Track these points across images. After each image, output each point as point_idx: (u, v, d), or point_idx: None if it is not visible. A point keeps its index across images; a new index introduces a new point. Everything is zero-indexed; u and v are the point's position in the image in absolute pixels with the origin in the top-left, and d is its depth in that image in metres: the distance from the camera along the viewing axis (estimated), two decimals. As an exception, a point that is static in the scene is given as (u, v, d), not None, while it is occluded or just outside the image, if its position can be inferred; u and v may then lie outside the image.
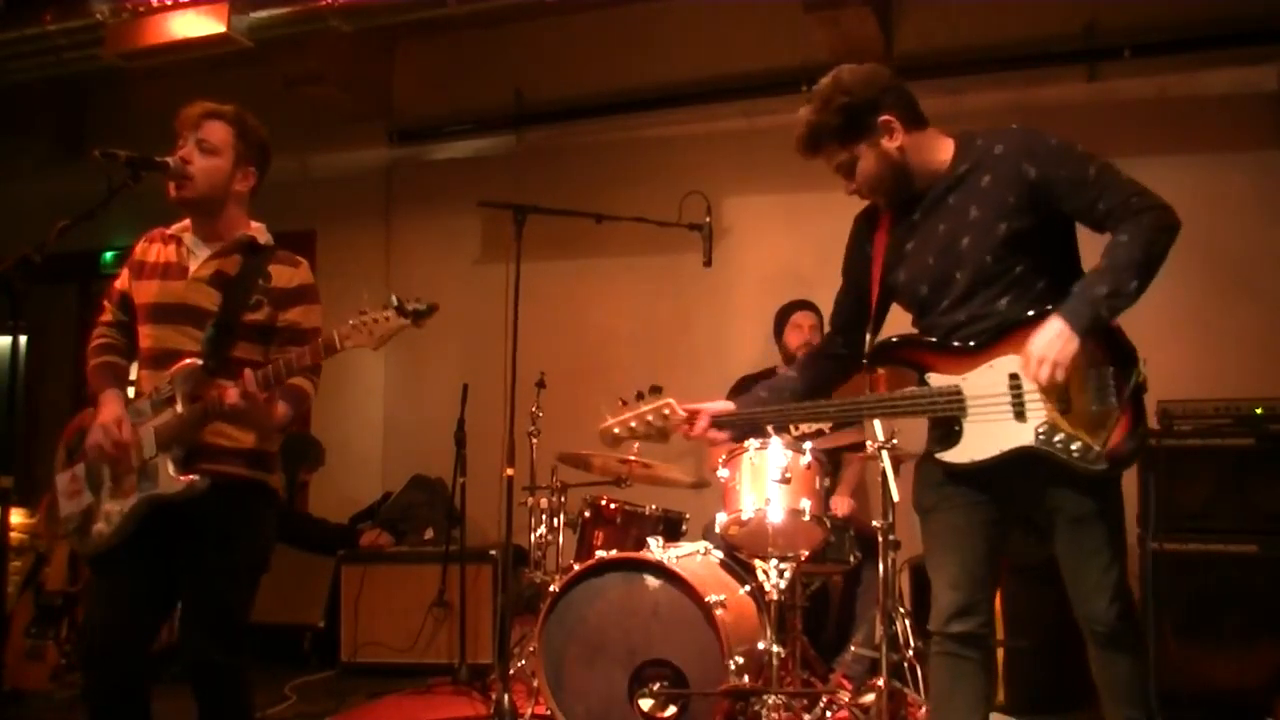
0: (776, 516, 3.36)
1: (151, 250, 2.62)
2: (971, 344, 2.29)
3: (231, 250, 2.57)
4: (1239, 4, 4.48)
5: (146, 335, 2.55)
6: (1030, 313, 2.24)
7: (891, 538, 3.33)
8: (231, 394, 2.33)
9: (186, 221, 2.62)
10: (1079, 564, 2.28)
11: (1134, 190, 2.20)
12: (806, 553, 3.52)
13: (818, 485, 3.47)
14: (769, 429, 3.61)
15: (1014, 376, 2.24)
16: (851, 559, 3.77)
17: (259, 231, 2.63)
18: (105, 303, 2.69)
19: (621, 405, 2.66)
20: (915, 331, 2.41)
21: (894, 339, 2.40)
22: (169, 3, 4.96)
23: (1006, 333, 2.25)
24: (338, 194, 6.09)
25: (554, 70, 5.70)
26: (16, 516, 4.41)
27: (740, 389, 4.55)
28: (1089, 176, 2.21)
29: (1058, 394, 2.20)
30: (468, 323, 5.53)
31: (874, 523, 3.39)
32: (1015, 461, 2.24)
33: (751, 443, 3.52)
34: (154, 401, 2.47)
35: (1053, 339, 2.15)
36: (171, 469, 2.40)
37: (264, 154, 2.63)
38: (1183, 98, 4.61)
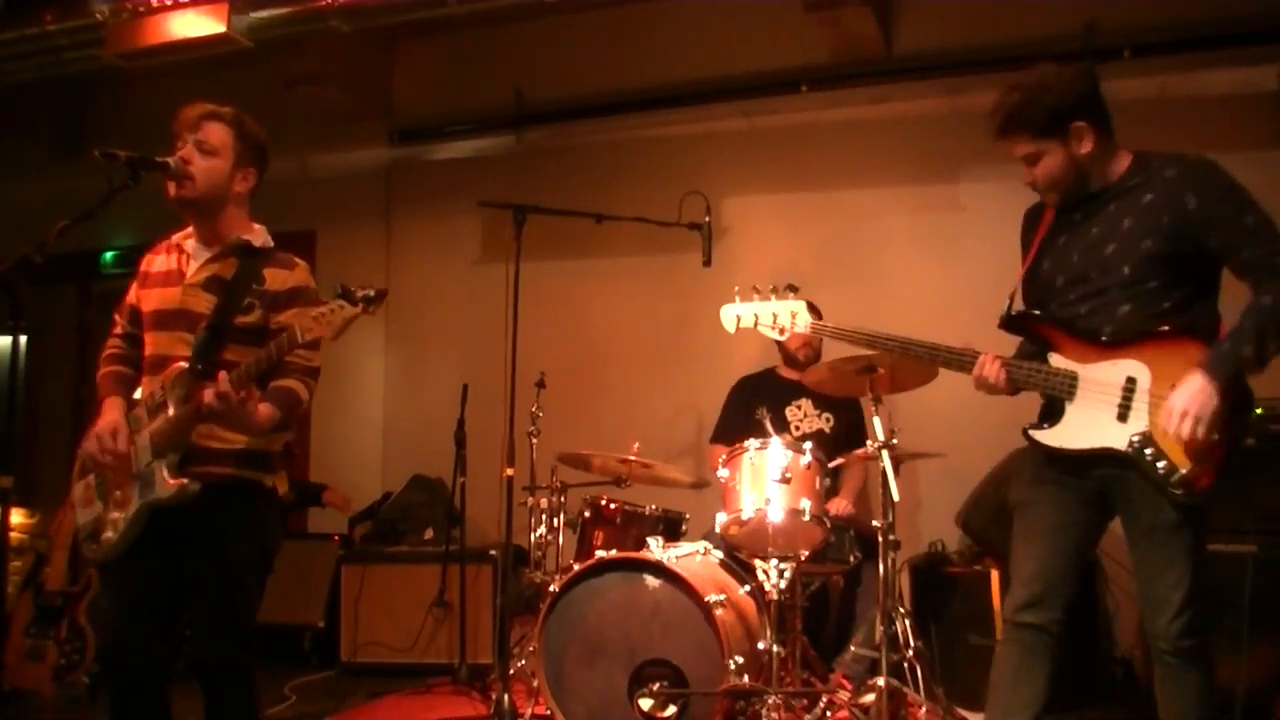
0: (776, 516, 3.36)
1: (156, 260, 2.64)
2: (1103, 338, 2.37)
3: (227, 254, 2.57)
4: (1239, 4, 4.48)
5: (149, 344, 2.56)
6: (1165, 327, 2.32)
7: (891, 538, 3.33)
8: (207, 394, 2.32)
9: (190, 229, 2.63)
10: (1149, 576, 2.36)
11: None
12: (806, 553, 3.52)
13: (818, 485, 3.47)
14: (769, 428, 3.62)
15: (1131, 380, 2.33)
16: (851, 559, 3.77)
17: (258, 234, 2.63)
18: (116, 316, 2.70)
19: (753, 292, 2.76)
20: (1054, 311, 2.48)
21: (1035, 313, 2.50)
22: (169, 3, 4.96)
23: (1140, 339, 2.34)
24: (338, 194, 6.09)
25: (554, 70, 5.70)
26: (16, 516, 4.42)
27: (739, 391, 4.57)
28: (1245, 224, 2.30)
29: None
30: (468, 323, 5.55)
31: (874, 523, 3.39)
32: (1109, 461, 2.33)
33: (752, 443, 3.52)
34: (149, 408, 2.48)
35: (1195, 393, 2.23)
36: (165, 473, 2.41)
37: (263, 155, 2.62)
38: (1183, 98, 4.62)
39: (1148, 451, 2.29)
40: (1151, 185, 2.37)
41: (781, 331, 2.72)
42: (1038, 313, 2.50)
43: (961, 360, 2.51)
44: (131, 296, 2.67)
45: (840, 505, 4.06)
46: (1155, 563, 2.34)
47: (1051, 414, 2.43)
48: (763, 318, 2.74)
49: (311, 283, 2.61)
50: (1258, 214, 2.31)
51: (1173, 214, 2.32)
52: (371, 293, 2.26)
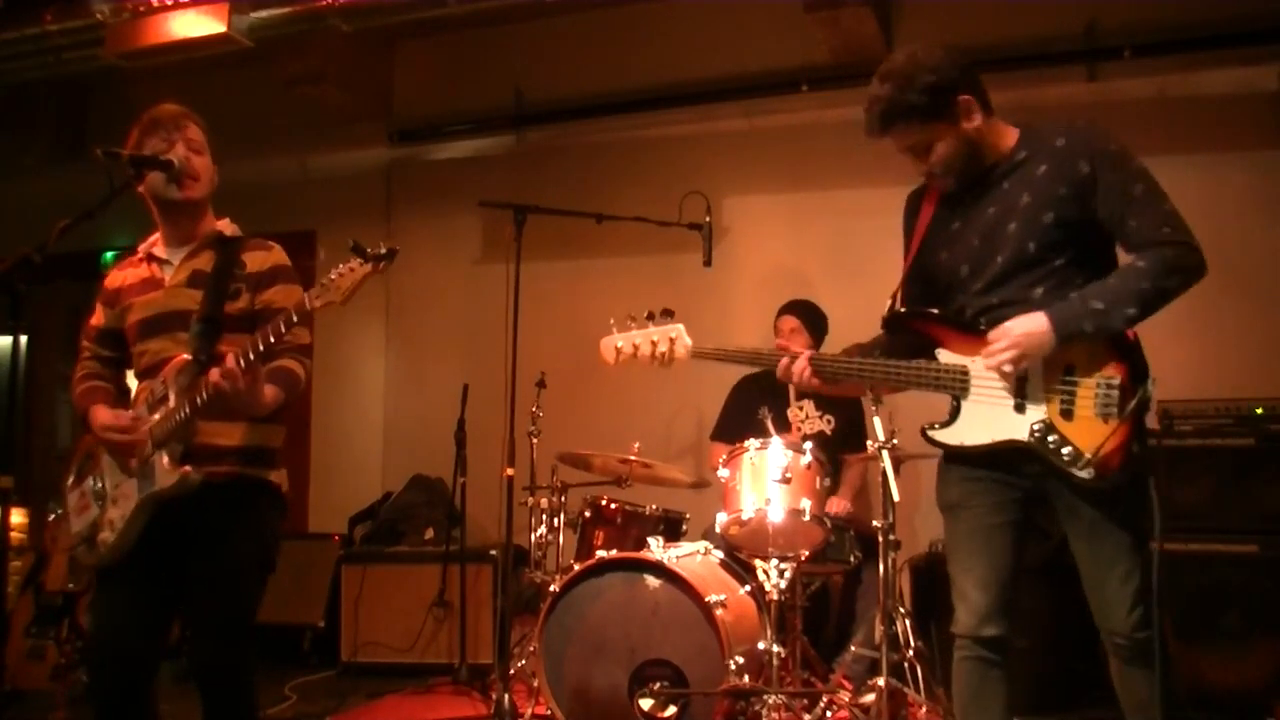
0: (777, 516, 3.36)
1: (122, 276, 2.63)
2: (986, 328, 2.27)
3: (201, 248, 2.57)
4: (1239, 4, 4.48)
5: (141, 353, 2.54)
6: None
7: (891, 538, 3.33)
8: (213, 373, 2.29)
9: (154, 236, 2.63)
10: (1096, 573, 2.25)
11: (1170, 221, 2.19)
12: (806, 553, 3.52)
13: (818, 485, 3.47)
14: (770, 428, 3.61)
15: (986, 354, 2.24)
16: (851, 559, 3.77)
17: (226, 225, 2.64)
18: (84, 342, 2.68)
19: (629, 322, 2.61)
20: (964, 304, 2.38)
21: (914, 310, 2.40)
22: (169, 3, 4.96)
23: None
24: (338, 194, 6.09)
25: (554, 70, 5.70)
26: (16, 516, 4.42)
27: (741, 390, 4.56)
28: (1133, 192, 2.20)
29: (1061, 395, 2.20)
30: (468, 323, 5.54)
31: (874, 523, 3.39)
32: (1022, 454, 2.24)
33: (752, 443, 3.52)
34: (150, 403, 2.46)
35: (1032, 330, 2.17)
36: (166, 462, 2.39)
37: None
38: (1183, 98, 4.62)
39: (1050, 439, 2.19)
40: (1043, 156, 2.27)
41: (664, 359, 2.56)
42: (915, 310, 2.39)
43: (773, 361, 2.45)
44: (97, 319, 2.65)
45: (839, 504, 4.06)
46: (1103, 559, 2.23)
47: (949, 413, 2.33)
48: (642, 347, 2.60)
49: (289, 262, 2.61)
50: (1148, 182, 2.21)
51: (1068, 182, 2.22)
52: (383, 250, 2.21)
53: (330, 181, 6.13)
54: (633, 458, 3.94)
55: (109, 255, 6.45)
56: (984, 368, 2.25)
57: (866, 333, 2.59)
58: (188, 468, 2.38)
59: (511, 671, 3.90)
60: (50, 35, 5.22)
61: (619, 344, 2.63)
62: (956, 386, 2.30)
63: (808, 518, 3.38)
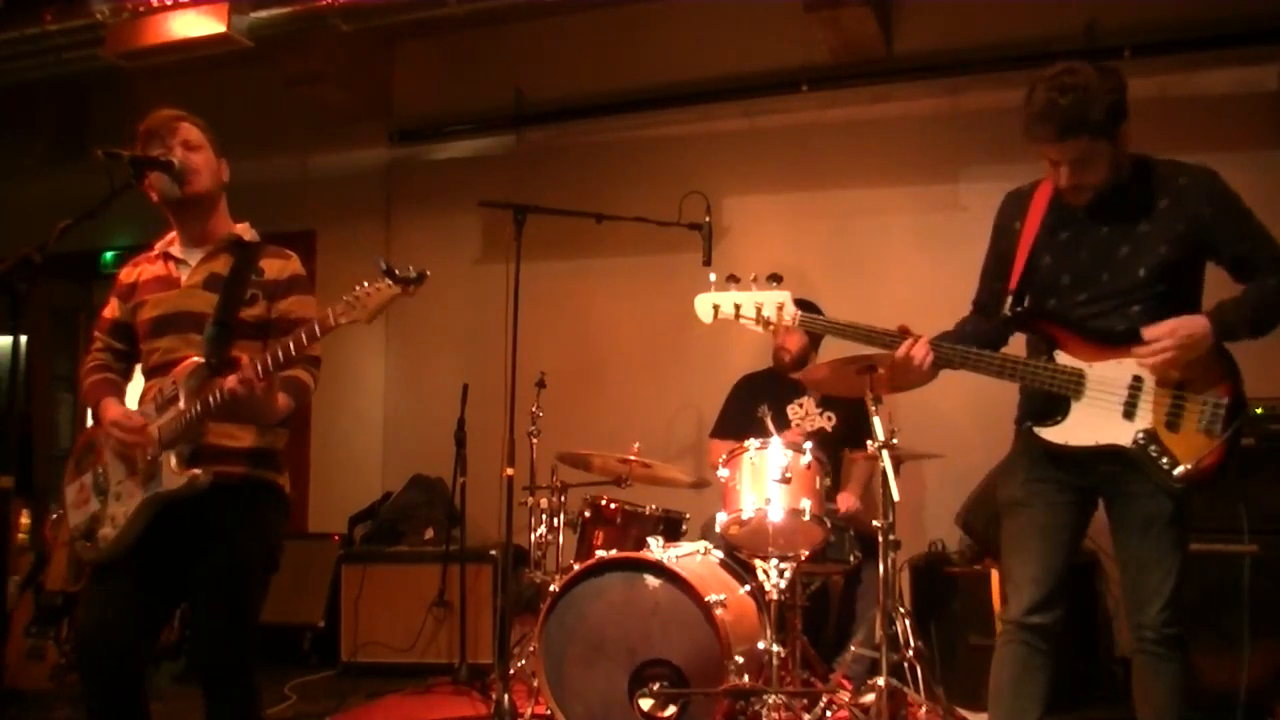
0: (776, 516, 3.36)
1: (138, 272, 2.63)
2: (1108, 337, 2.40)
3: (219, 251, 2.57)
4: (1239, 4, 4.48)
5: (151, 351, 2.54)
6: None
7: (891, 538, 3.33)
8: (231, 380, 2.30)
9: (171, 235, 2.63)
10: (1141, 568, 2.40)
11: (1276, 248, 2.40)
12: (806, 553, 3.52)
13: (818, 485, 3.47)
14: (770, 426, 3.61)
15: (1137, 378, 2.37)
16: (851, 559, 3.77)
17: (245, 229, 2.63)
18: (96, 333, 2.69)
19: (731, 282, 2.56)
20: (1059, 308, 2.48)
21: (1040, 309, 2.49)
22: (169, 3, 4.96)
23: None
24: (338, 194, 6.09)
25: (554, 70, 5.70)
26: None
27: (742, 388, 4.56)
28: (1251, 229, 2.39)
29: (1171, 407, 2.35)
30: (468, 323, 5.54)
31: (874, 523, 3.38)
32: (1111, 458, 2.37)
33: (752, 443, 3.52)
34: (159, 403, 2.46)
35: (1193, 329, 2.31)
36: (174, 463, 2.39)
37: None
38: (1183, 98, 4.61)
39: (1152, 449, 2.34)
40: (1166, 192, 2.41)
41: (766, 325, 2.52)
42: (1041, 309, 2.49)
43: (891, 340, 2.51)
44: (111, 311, 2.66)
45: (848, 500, 4.06)
46: (1149, 555, 2.38)
47: (1054, 411, 2.43)
48: (745, 308, 2.54)
49: (305, 272, 2.62)
50: (1255, 219, 2.41)
51: (1189, 222, 2.37)
52: (413, 274, 2.21)
53: (330, 181, 6.13)
54: (633, 458, 3.94)
55: (109, 255, 6.46)
56: (1142, 360, 2.35)
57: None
58: (197, 470, 2.38)
59: (511, 671, 3.90)
60: (50, 35, 5.21)
61: (718, 302, 2.56)
62: (1070, 388, 2.41)
63: (808, 517, 3.38)
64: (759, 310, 2.54)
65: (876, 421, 3.14)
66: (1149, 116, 4.63)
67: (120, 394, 2.59)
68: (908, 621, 3.45)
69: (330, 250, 5.93)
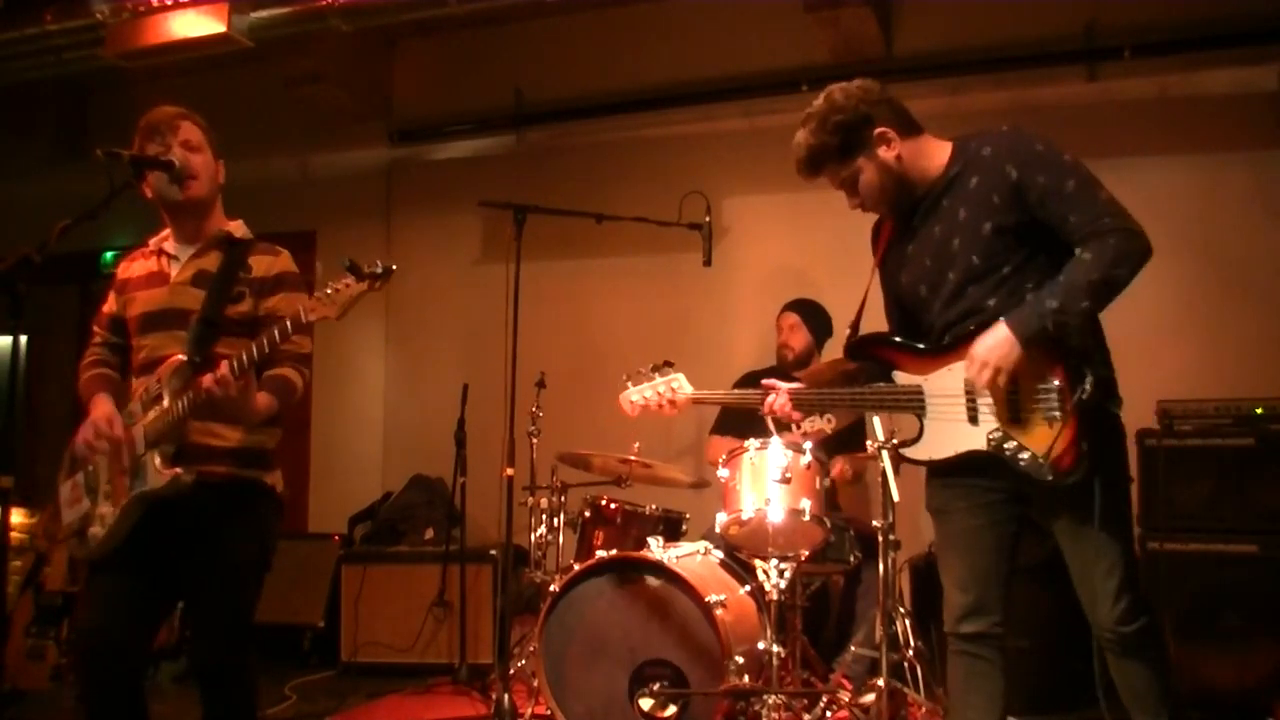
0: (776, 516, 3.35)
1: (133, 267, 2.63)
2: (930, 347, 2.37)
3: (209, 248, 2.57)
4: (1239, 4, 4.48)
5: (140, 348, 2.54)
6: (972, 327, 2.30)
7: (891, 538, 3.33)
8: (206, 378, 2.30)
9: (166, 232, 2.63)
10: (1080, 569, 2.31)
11: (1109, 210, 2.21)
12: (806, 553, 3.52)
13: (818, 485, 3.47)
14: (770, 425, 3.61)
15: (969, 382, 2.30)
16: (851, 559, 3.77)
17: (237, 226, 2.63)
18: (95, 327, 2.70)
19: (638, 373, 2.89)
20: (885, 331, 2.52)
21: (864, 336, 2.50)
22: (169, 3, 4.96)
23: (965, 341, 2.30)
24: (338, 194, 6.09)
25: (554, 70, 5.70)
26: (16, 516, 4.42)
27: (745, 385, 4.55)
28: (1066, 189, 2.23)
29: (1009, 403, 2.26)
30: (468, 323, 5.54)
31: (874, 522, 3.38)
32: (981, 461, 2.30)
33: (752, 443, 3.52)
34: (144, 401, 2.46)
35: (996, 344, 2.22)
36: (158, 463, 2.38)
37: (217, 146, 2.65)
38: (1183, 98, 4.61)
39: (1007, 446, 2.26)
40: (974, 168, 2.32)
41: (671, 405, 2.85)
42: (865, 336, 2.50)
43: (758, 400, 2.62)
44: (109, 306, 2.67)
45: (839, 466, 4.01)
46: (1087, 554, 2.27)
47: (917, 431, 2.40)
48: (651, 398, 2.86)
49: (296, 269, 2.61)
50: (1079, 176, 2.23)
51: (1000, 190, 2.27)
52: (379, 269, 2.22)
53: (330, 181, 6.13)
54: (632, 458, 3.94)
55: (109, 255, 6.46)
56: (977, 389, 2.29)
57: (867, 331, 2.61)
58: (179, 469, 2.38)
59: (511, 671, 3.90)
60: (50, 35, 5.21)
61: (633, 398, 2.89)
62: (914, 406, 2.38)
63: (808, 518, 3.38)
64: (660, 396, 2.86)
65: (876, 421, 3.14)
66: (1149, 116, 4.71)
67: (114, 391, 2.58)
68: (908, 621, 3.45)
69: (330, 250, 5.93)
